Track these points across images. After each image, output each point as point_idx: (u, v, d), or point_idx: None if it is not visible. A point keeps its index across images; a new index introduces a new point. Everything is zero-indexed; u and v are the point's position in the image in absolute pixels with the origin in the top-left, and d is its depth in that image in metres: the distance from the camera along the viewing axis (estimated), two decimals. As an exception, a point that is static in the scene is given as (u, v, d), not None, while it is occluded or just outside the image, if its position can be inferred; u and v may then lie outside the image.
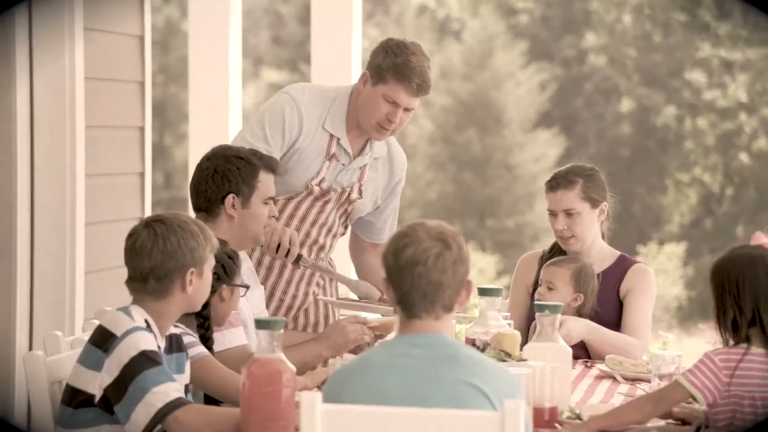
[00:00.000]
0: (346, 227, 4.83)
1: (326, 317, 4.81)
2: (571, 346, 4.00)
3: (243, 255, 4.24)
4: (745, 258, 3.53)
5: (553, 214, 4.74)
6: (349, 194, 4.70)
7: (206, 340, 3.81)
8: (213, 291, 3.82)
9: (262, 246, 4.40)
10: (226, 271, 3.87)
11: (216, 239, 3.59)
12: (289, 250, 4.39)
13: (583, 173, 4.73)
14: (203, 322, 3.81)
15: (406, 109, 4.55)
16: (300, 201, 4.65)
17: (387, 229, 4.88)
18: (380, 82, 4.53)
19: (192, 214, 4.21)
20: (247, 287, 3.96)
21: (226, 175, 4.15)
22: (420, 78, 4.50)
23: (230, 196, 4.16)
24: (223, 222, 4.17)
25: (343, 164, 4.67)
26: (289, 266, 4.66)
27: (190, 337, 3.75)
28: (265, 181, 4.21)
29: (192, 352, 3.71)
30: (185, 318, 3.78)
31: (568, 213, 4.71)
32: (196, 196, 4.21)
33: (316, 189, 4.63)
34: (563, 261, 4.69)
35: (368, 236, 4.88)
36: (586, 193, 4.71)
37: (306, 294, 4.74)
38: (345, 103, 4.64)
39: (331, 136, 4.63)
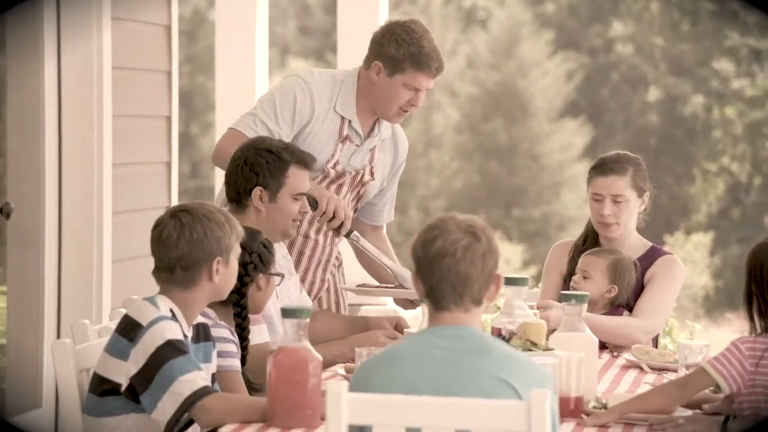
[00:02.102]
0: (355, 211, 4.85)
1: (337, 303, 4.86)
2: None
3: (278, 243, 4.26)
4: None
5: (598, 199, 4.70)
6: (362, 176, 4.72)
7: (243, 330, 3.82)
8: (250, 280, 3.83)
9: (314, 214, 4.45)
10: (262, 260, 3.87)
11: (242, 228, 3.60)
12: (342, 223, 4.45)
13: (632, 161, 4.71)
14: (240, 312, 3.82)
15: (426, 89, 4.64)
16: None
17: (386, 212, 4.92)
18: (397, 72, 4.58)
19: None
20: (282, 276, 3.97)
21: (254, 168, 4.17)
22: (437, 61, 4.58)
23: (257, 189, 4.18)
24: (251, 214, 4.19)
25: (357, 145, 4.70)
26: (307, 254, 4.69)
27: (231, 346, 3.75)
28: (296, 177, 4.21)
29: (222, 362, 3.70)
30: (223, 309, 3.79)
31: (616, 200, 4.67)
32: (228, 186, 4.25)
33: (332, 172, 4.65)
34: (601, 252, 4.67)
35: (368, 219, 4.91)
36: (635, 182, 4.69)
37: (322, 281, 4.77)
38: (353, 84, 4.68)
39: (342, 118, 4.67)
